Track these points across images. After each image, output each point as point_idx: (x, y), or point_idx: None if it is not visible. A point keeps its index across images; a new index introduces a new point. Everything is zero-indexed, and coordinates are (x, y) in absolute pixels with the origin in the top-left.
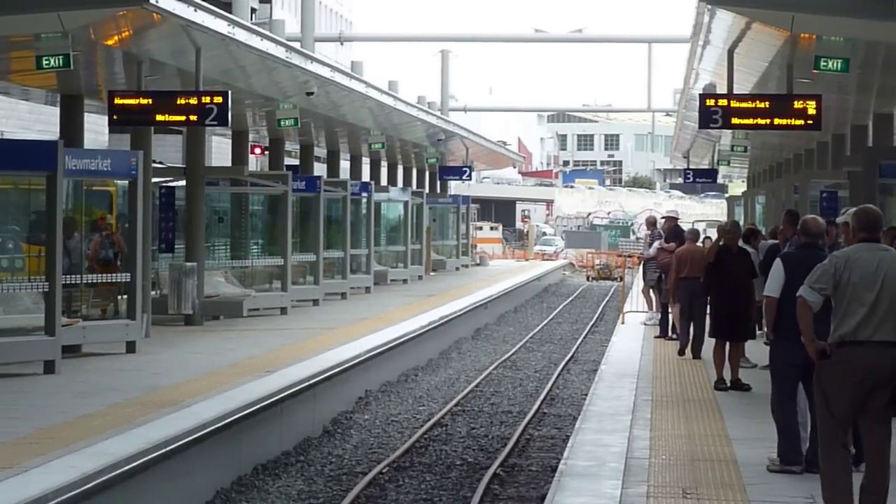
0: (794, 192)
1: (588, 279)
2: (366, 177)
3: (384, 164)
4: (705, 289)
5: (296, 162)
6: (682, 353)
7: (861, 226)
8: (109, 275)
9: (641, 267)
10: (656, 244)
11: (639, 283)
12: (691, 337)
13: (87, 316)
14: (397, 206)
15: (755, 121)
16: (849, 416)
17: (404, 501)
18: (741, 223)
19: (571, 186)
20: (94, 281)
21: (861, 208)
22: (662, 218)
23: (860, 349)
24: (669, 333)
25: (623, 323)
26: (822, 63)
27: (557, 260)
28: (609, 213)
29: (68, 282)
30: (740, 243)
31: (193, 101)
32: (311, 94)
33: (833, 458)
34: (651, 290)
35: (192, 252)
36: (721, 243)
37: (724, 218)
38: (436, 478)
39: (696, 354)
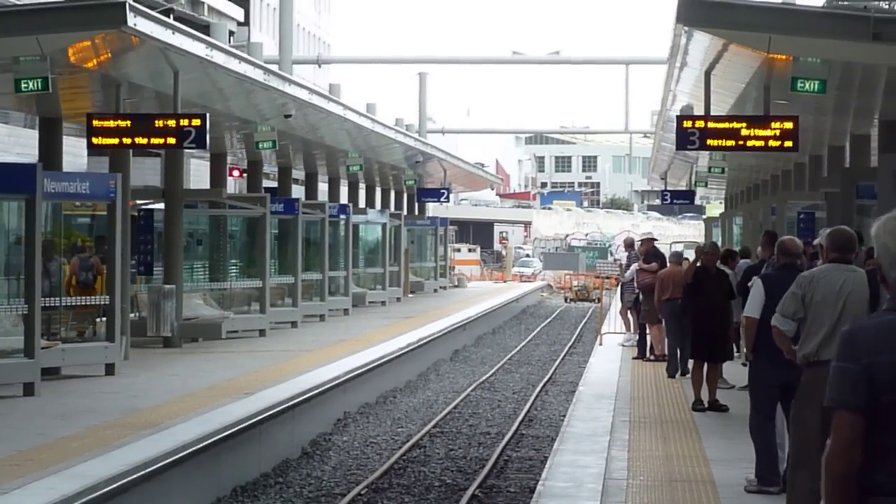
0: (771, 213)
1: (566, 301)
2: (344, 199)
3: (362, 186)
4: (683, 309)
5: (274, 184)
6: (672, 374)
7: (833, 246)
8: (88, 297)
9: (619, 288)
10: (634, 266)
11: (616, 304)
12: (679, 356)
13: (66, 338)
14: (375, 228)
15: (732, 142)
16: (822, 432)
17: None
18: (719, 245)
19: (549, 208)
20: (73, 304)
21: (834, 229)
22: (639, 240)
23: (824, 370)
24: (647, 354)
25: (601, 344)
26: (799, 84)
27: (535, 282)
28: (587, 234)
29: (47, 304)
30: (718, 264)
31: (172, 123)
32: (289, 116)
33: (800, 471)
34: (629, 312)
35: (170, 274)
36: (699, 264)
37: (701, 239)
38: (414, 499)
39: (685, 370)
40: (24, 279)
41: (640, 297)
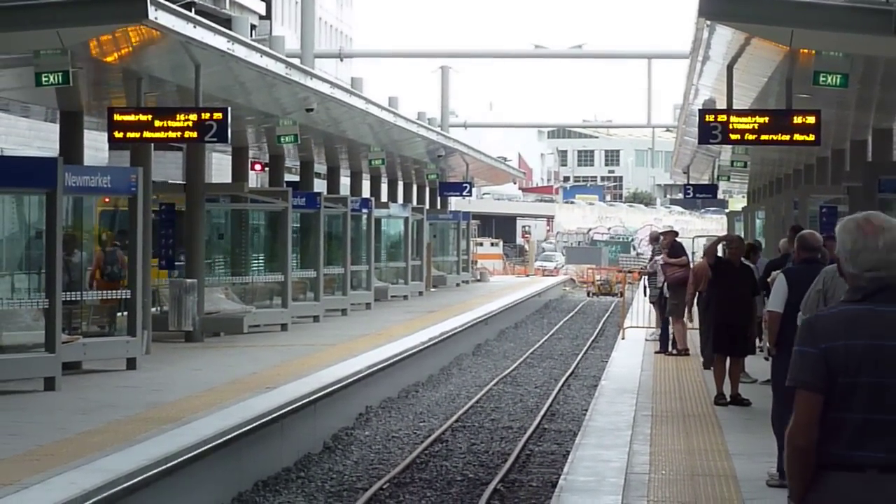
0: (793, 207)
1: (588, 295)
2: (366, 193)
3: (384, 180)
4: (707, 303)
5: (296, 178)
6: (707, 366)
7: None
8: (110, 291)
9: (645, 281)
10: (658, 259)
11: (638, 298)
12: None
13: (87, 333)
14: (398, 222)
15: (755, 136)
16: None
17: None
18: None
19: (572, 202)
20: (95, 298)
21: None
22: (661, 233)
23: None
24: (669, 348)
25: (623, 338)
26: (822, 78)
27: (558, 276)
28: (609, 228)
29: (69, 299)
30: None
31: (193, 117)
32: (311, 110)
33: None
34: (653, 306)
35: (192, 269)
36: (721, 254)
37: (724, 233)
38: (436, 493)
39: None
40: (46, 273)
41: (665, 290)
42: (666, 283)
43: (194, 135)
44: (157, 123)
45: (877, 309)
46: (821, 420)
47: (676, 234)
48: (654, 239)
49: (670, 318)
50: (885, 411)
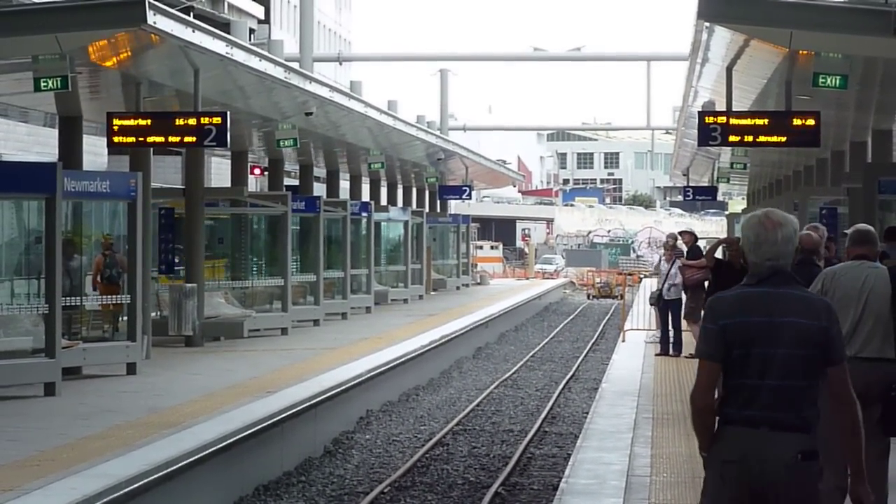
0: (794, 208)
1: (588, 297)
2: (365, 197)
3: (384, 183)
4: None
5: (295, 182)
6: None
7: (854, 243)
8: (110, 296)
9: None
10: (678, 263)
11: (640, 300)
12: None
13: (87, 338)
14: (397, 225)
15: (754, 138)
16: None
17: None
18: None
19: (571, 205)
20: (95, 303)
21: (855, 227)
22: (679, 233)
23: (856, 369)
24: (671, 351)
25: (624, 341)
26: (821, 80)
27: (558, 278)
28: (609, 231)
29: (68, 304)
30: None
31: (192, 121)
32: (310, 114)
33: (825, 469)
34: (654, 308)
35: (191, 273)
36: (721, 256)
37: (724, 235)
38: (437, 497)
39: None
40: (45, 278)
41: (665, 293)
42: (684, 285)
43: (193, 139)
44: (157, 128)
45: (770, 291)
46: (723, 385)
47: (696, 236)
48: (671, 248)
49: (685, 321)
50: (775, 377)
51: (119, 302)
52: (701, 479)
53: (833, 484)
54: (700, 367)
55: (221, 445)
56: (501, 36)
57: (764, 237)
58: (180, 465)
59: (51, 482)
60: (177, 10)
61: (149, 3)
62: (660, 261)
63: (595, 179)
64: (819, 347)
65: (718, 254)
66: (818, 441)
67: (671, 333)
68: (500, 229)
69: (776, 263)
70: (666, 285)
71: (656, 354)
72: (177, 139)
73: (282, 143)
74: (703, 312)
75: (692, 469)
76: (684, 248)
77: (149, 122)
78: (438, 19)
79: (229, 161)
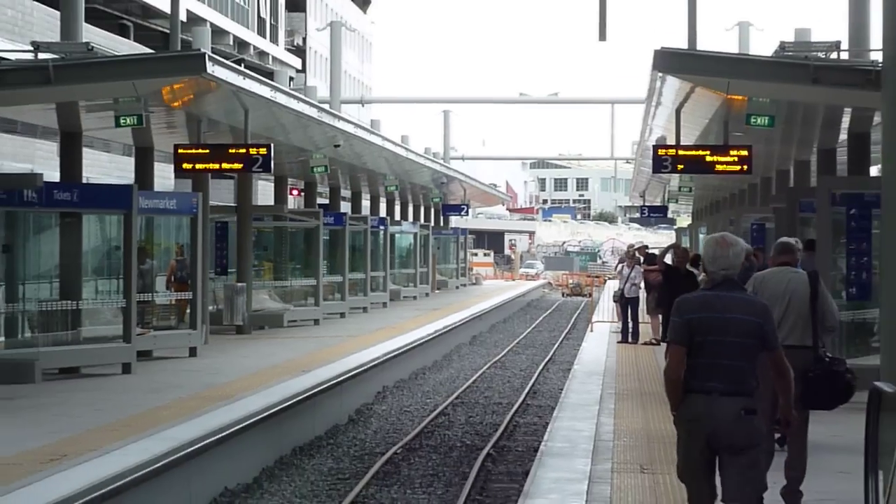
0: (730, 224)
1: (563, 295)
2: (382, 213)
3: (398, 202)
4: (658, 302)
5: (326, 201)
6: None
7: (778, 253)
8: (180, 293)
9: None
10: (637, 268)
11: (604, 298)
12: None
13: (157, 326)
14: (408, 236)
15: (698, 167)
16: (771, 406)
17: (414, 476)
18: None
19: (549, 220)
20: (163, 299)
21: (779, 240)
22: (635, 248)
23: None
24: (630, 339)
25: (592, 331)
26: (753, 120)
27: (538, 280)
28: (580, 241)
29: (141, 299)
30: (688, 266)
31: (242, 151)
32: (338, 146)
33: None
34: (617, 304)
35: (241, 274)
36: (672, 264)
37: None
38: (440, 457)
39: None
40: (123, 279)
41: (627, 291)
42: (647, 284)
43: (243, 166)
44: (213, 157)
45: (721, 294)
46: (687, 364)
47: (647, 247)
48: (630, 256)
49: (649, 314)
50: (723, 358)
51: (185, 297)
52: (655, 441)
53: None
54: (671, 351)
55: (265, 414)
56: (495, 79)
57: (720, 254)
58: (232, 430)
59: (128, 444)
60: (230, 62)
61: (208, 55)
62: (621, 266)
63: (568, 200)
64: (757, 338)
65: (668, 259)
66: (755, 402)
67: (630, 325)
68: (491, 240)
69: (728, 273)
70: (627, 285)
71: (618, 342)
72: (230, 166)
73: (315, 170)
74: (655, 306)
75: (647, 434)
76: (640, 258)
77: (207, 151)
78: (443, 67)
79: (272, 183)
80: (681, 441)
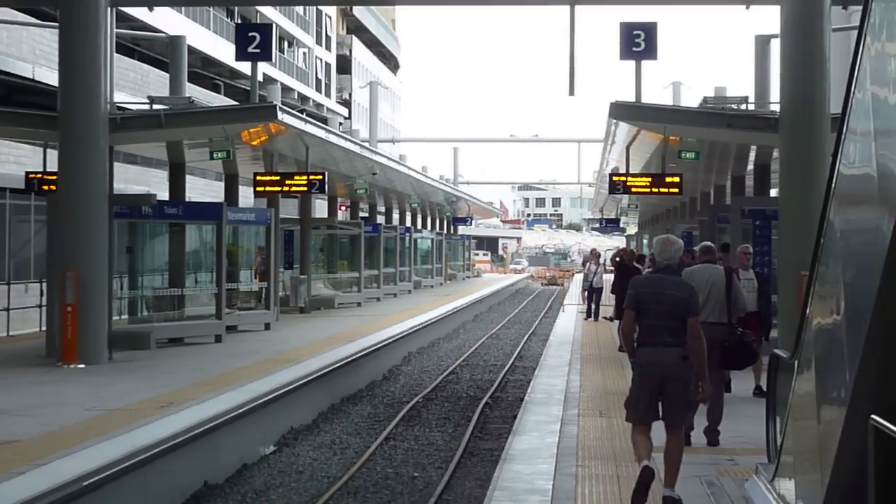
0: (665, 231)
1: (542, 285)
2: (408, 223)
3: (419, 215)
4: (612, 290)
5: (366, 214)
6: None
7: (702, 253)
8: (261, 282)
9: (583, 277)
10: (599, 265)
11: (574, 287)
12: None
13: (241, 307)
14: (427, 241)
15: (642, 189)
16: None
17: (431, 419)
18: (634, 251)
19: (532, 229)
20: (244, 287)
21: (703, 244)
22: (597, 251)
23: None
24: (592, 318)
25: (563, 311)
26: (683, 154)
27: (524, 274)
28: (555, 245)
29: (229, 287)
30: (635, 263)
31: (304, 178)
32: (375, 174)
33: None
34: (585, 292)
35: (303, 269)
36: (619, 259)
37: (622, 247)
38: (451, 404)
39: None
40: (215, 272)
41: (595, 283)
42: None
43: (305, 189)
44: (283, 182)
45: (663, 276)
46: (637, 325)
47: (599, 253)
48: (596, 255)
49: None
50: (663, 320)
51: (263, 286)
52: (610, 394)
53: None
54: (625, 314)
55: (321, 372)
56: (492, 121)
57: (665, 248)
58: (296, 384)
59: (219, 395)
60: (295, 111)
61: (278, 106)
62: (589, 264)
63: (546, 214)
64: (682, 307)
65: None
66: (686, 352)
67: (593, 308)
68: (488, 244)
69: (669, 262)
70: (595, 278)
71: (584, 319)
72: (295, 188)
73: (357, 191)
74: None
75: (604, 389)
76: (601, 258)
77: (278, 178)
78: (452, 112)
79: (326, 201)
80: (635, 380)
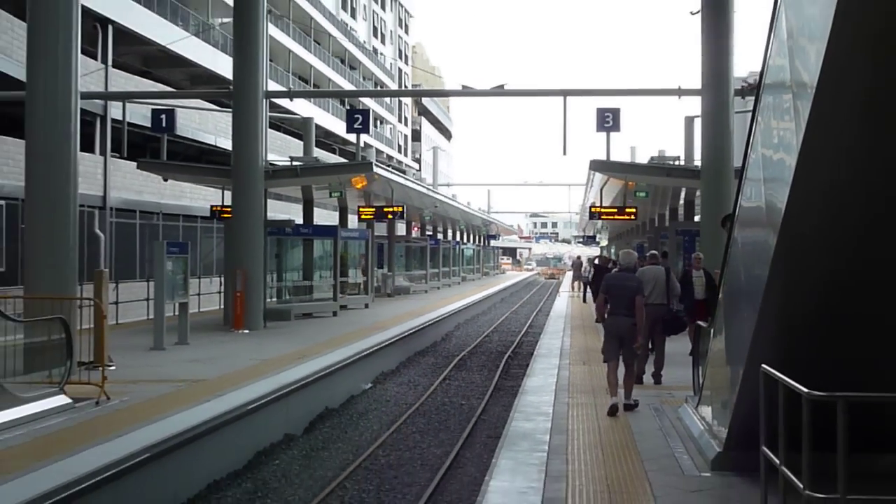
0: (626, 244)
1: (545, 279)
2: (457, 238)
3: (465, 233)
4: (591, 281)
5: (430, 232)
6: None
7: (649, 258)
8: (364, 277)
9: (581, 276)
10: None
11: (567, 279)
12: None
13: (349, 293)
14: (470, 249)
15: (611, 217)
16: (646, 339)
17: (473, 366)
18: (608, 256)
19: (538, 242)
20: (349, 280)
21: (650, 252)
22: (592, 257)
23: (649, 307)
24: (584, 301)
25: (559, 295)
26: (637, 194)
27: (533, 271)
28: (553, 253)
29: (341, 280)
30: (609, 266)
31: (390, 209)
32: (436, 207)
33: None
34: (578, 282)
35: (390, 268)
36: (597, 262)
37: (598, 254)
38: (485, 357)
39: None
40: (333, 270)
41: (587, 277)
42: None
43: (391, 216)
44: (377, 213)
45: (625, 273)
46: (607, 303)
47: (607, 259)
48: (590, 262)
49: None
50: (621, 300)
51: (364, 279)
52: (590, 351)
53: (640, 367)
54: (599, 297)
55: (401, 336)
56: (511, 168)
57: (626, 257)
58: (386, 343)
59: (334, 350)
60: (385, 166)
61: (374, 163)
62: (581, 266)
63: (548, 232)
64: (633, 292)
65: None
66: (635, 320)
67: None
68: (510, 252)
69: (628, 265)
70: (587, 275)
71: (583, 302)
72: (385, 216)
73: (425, 218)
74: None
75: (586, 347)
76: (587, 262)
77: (373, 209)
78: (486, 162)
79: (405, 224)
80: (605, 338)
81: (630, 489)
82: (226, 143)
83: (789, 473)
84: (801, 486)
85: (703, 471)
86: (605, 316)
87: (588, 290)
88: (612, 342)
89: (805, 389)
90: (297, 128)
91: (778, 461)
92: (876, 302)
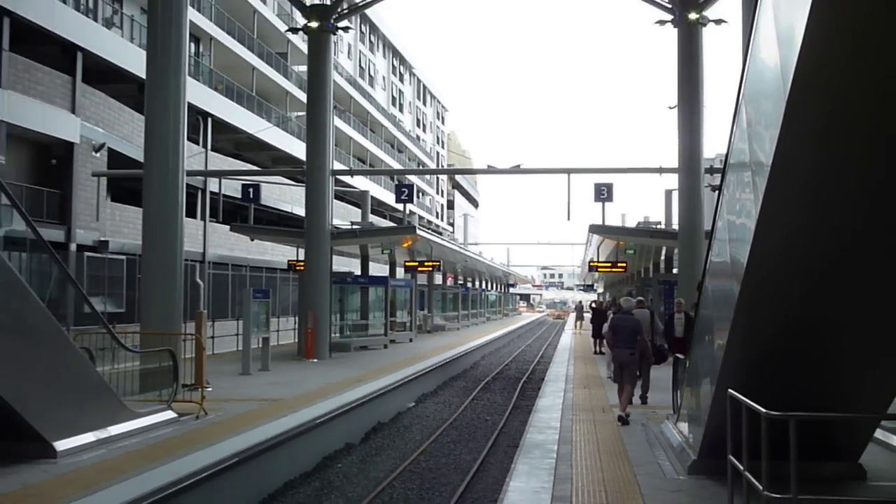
0: (618, 292)
1: (553, 319)
2: (484, 286)
3: (489, 283)
4: (592, 321)
5: (461, 281)
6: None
7: (637, 303)
8: (407, 317)
9: (578, 315)
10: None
11: (570, 320)
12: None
13: (396, 330)
14: (493, 295)
15: (606, 270)
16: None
17: (496, 389)
18: (603, 301)
19: (548, 290)
20: (398, 319)
21: (637, 298)
22: (593, 301)
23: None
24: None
25: (564, 332)
26: (627, 251)
27: (544, 313)
28: (560, 298)
29: (389, 319)
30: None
31: (430, 263)
32: (466, 261)
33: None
34: (580, 321)
35: (429, 309)
36: (593, 306)
37: (595, 298)
38: (505, 382)
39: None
40: (385, 312)
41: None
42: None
43: (430, 269)
44: (419, 265)
45: (625, 315)
46: (614, 338)
47: (582, 303)
48: (589, 305)
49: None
50: (624, 336)
51: (409, 319)
52: (589, 377)
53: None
54: (607, 333)
55: (439, 364)
56: (528, 228)
57: (626, 302)
58: (426, 370)
59: (387, 376)
60: (426, 229)
61: (417, 227)
62: (582, 308)
63: (556, 282)
64: (634, 331)
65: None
66: (635, 351)
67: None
68: (525, 298)
69: (628, 308)
70: (588, 317)
71: (578, 336)
72: (424, 269)
73: (458, 271)
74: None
75: (586, 375)
76: (590, 306)
77: (416, 263)
78: (506, 225)
79: (442, 275)
80: (614, 366)
81: (622, 489)
82: (300, 211)
83: (751, 477)
84: (761, 487)
85: (681, 475)
86: (613, 348)
87: (584, 322)
88: (618, 368)
89: (763, 409)
90: (356, 199)
91: (742, 467)
92: (820, 338)
